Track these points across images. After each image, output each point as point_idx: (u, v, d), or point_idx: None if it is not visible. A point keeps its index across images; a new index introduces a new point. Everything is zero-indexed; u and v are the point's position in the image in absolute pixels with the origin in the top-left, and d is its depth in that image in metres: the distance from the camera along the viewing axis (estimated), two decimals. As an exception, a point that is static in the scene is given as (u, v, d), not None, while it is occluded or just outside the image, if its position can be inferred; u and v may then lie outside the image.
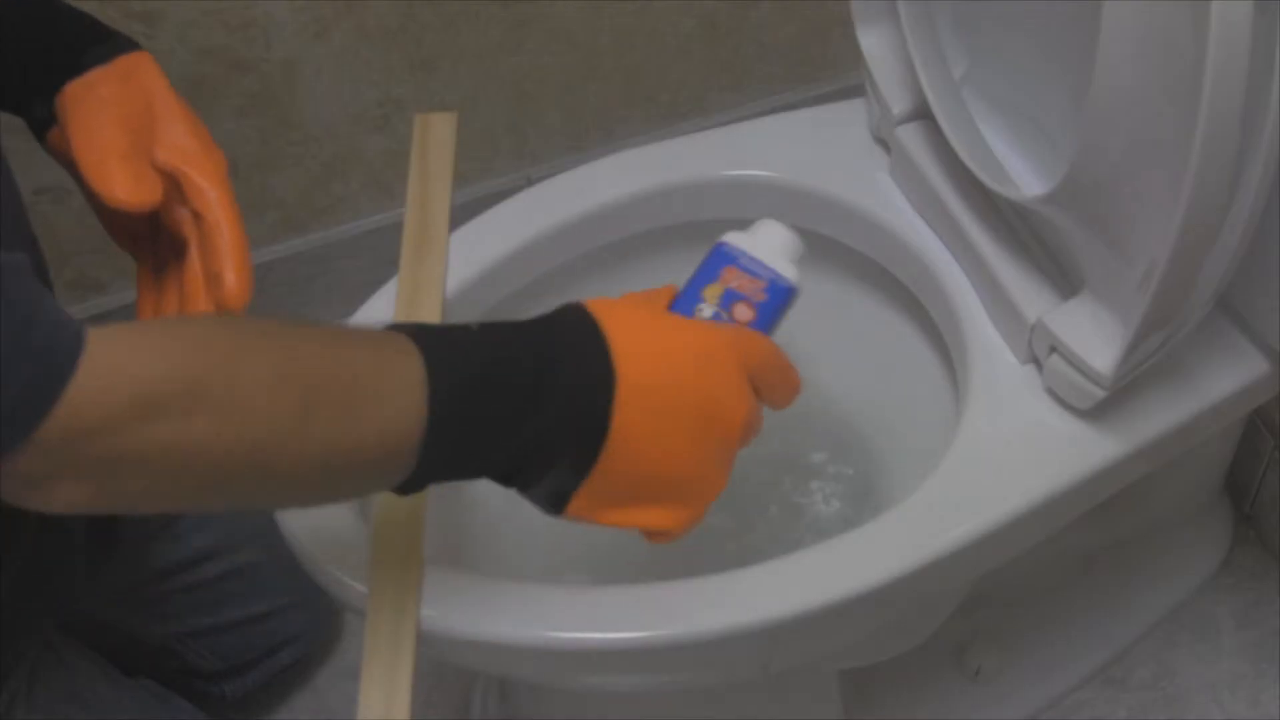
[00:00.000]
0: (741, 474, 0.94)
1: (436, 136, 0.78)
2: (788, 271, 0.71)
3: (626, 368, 0.56)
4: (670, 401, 0.57)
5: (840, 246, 0.87)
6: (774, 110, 0.86)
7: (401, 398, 0.52)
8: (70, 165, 0.67)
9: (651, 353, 0.58)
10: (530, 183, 0.89)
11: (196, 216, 0.67)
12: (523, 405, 0.54)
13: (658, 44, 1.21)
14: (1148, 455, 0.73)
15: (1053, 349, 0.70)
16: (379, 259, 1.24)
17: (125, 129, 0.65)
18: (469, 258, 0.82)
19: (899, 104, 0.82)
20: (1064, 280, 0.74)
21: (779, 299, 0.71)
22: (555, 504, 0.59)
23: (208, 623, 0.97)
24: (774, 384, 0.63)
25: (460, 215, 0.82)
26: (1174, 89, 0.56)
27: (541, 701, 0.98)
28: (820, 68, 1.30)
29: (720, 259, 0.71)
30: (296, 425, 0.49)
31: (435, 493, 0.67)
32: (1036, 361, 0.74)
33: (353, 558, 0.66)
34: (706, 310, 0.68)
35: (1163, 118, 0.57)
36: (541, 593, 0.67)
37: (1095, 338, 0.68)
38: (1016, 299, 0.73)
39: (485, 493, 0.90)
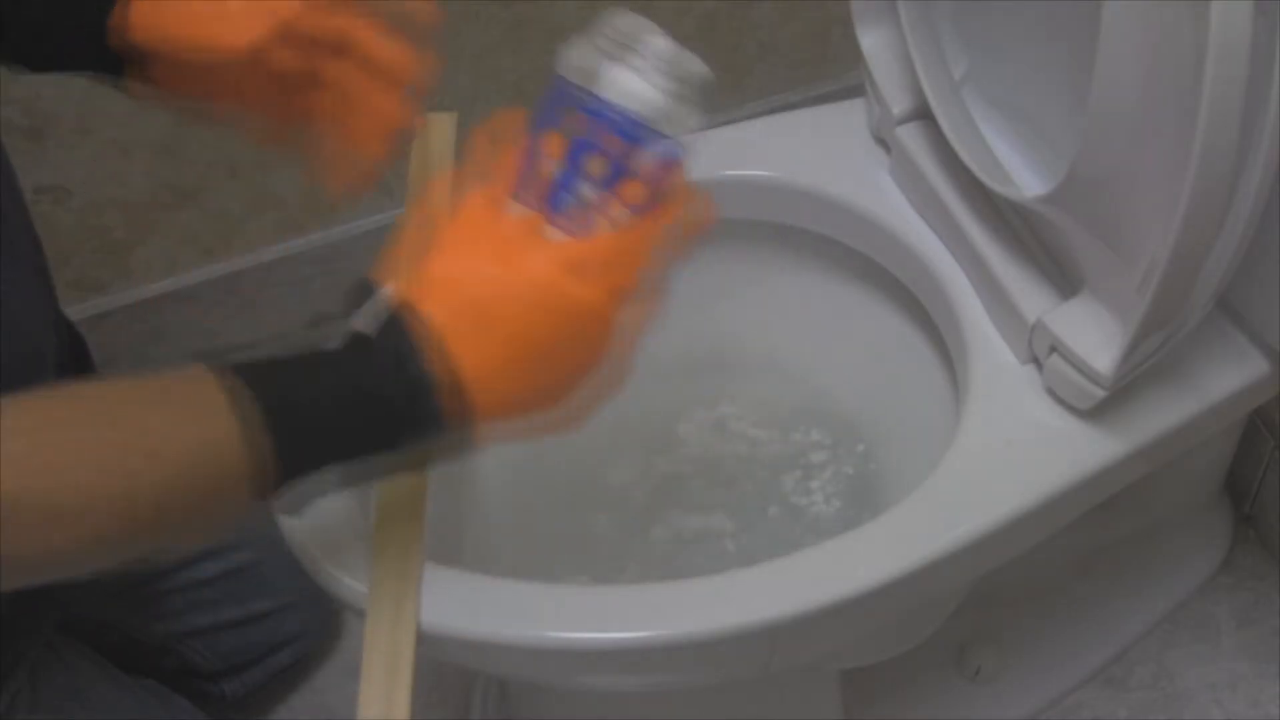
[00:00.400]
0: (741, 474, 0.95)
1: (437, 136, 0.77)
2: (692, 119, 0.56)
3: (464, 365, 0.54)
4: (518, 365, 0.55)
5: (840, 246, 0.87)
6: (774, 110, 0.86)
7: (229, 468, 0.50)
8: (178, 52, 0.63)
9: (478, 332, 0.55)
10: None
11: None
12: (372, 430, 0.54)
13: (658, 44, 1.21)
14: (1148, 455, 0.73)
15: (1053, 349, 0.70)
16: (379, 259, 1.24)
17: None
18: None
19: (899, 104, 0.82)
20: (1064, 280, 0.74)
21: (634, 139, 0.56)
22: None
23: (207, 622, 0.97)
24: (631, 262, 0.58)
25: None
26: (1174, 89, 0.56)
27: (541, 701, 0.98)
28: (820, 68, 1.30)
29: (573, 107, 0.56)
30: (130, 520, 0.49)
31: (435, 493, 0.68)
32: (1036, 361, 0.74)
33: (353, 558, 0.66)
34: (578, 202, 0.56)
35: (1163, 118, 0.57)
36: (541, 593, 0.67)
37: (1095, 338, 0.68)
38: (1016, 299, 0.73)
39: (485, 492, 0.90)
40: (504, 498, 0.91)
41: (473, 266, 0.56)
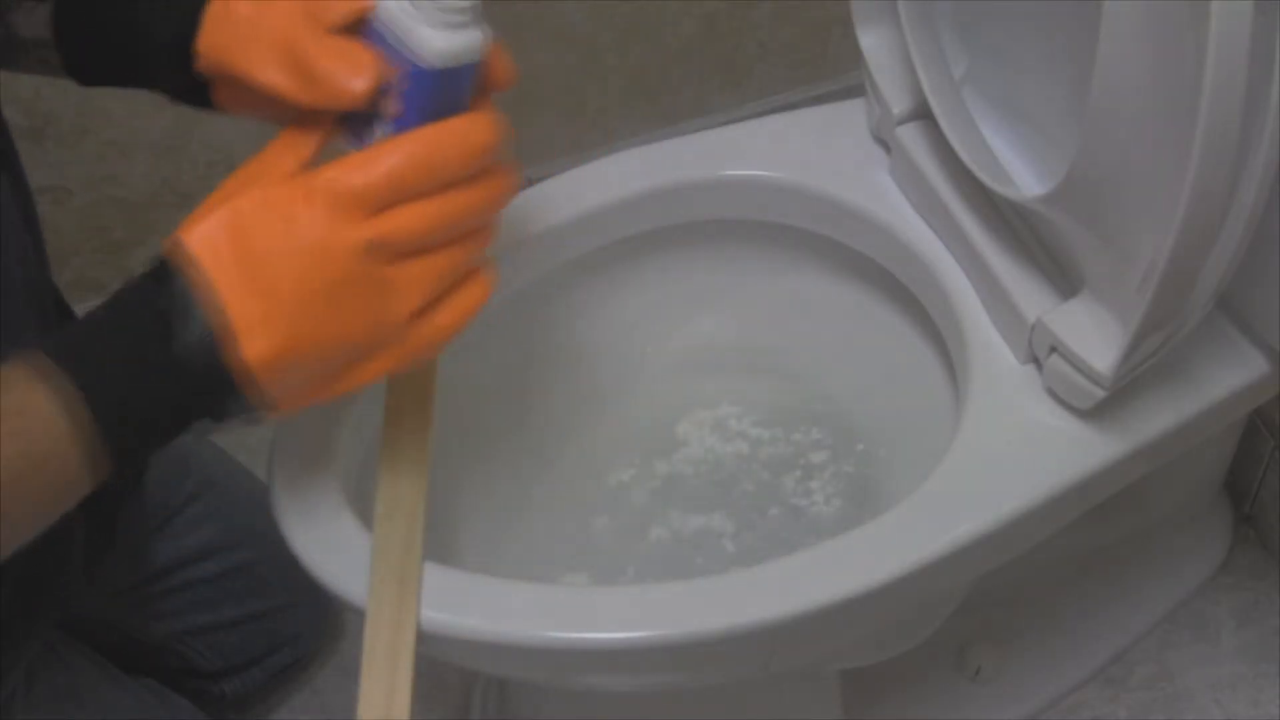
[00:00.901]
0: (741, 474, 0.95)
1: None
2: (434, 44, 0.58)
3: (240, 323, 0.53)
4: (300, 322, 0.54)
5: (840, 246, 0.87)
6: (774, 110, 0.86)
7: (53, 443, 0.52)
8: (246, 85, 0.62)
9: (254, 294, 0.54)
10: (529, 183, 0.89)
11: None
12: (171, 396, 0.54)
13: (658, 44, 1.21)
14: (1148, 455, 0.73)
15: (1053, 349, 0.70)
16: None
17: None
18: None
19: (899, 104, 0.82)
20: (1064, 280, 0.74)
21: (421, 86, 0.58)
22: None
23: (207, 621, 0.97)
24: (409, 185, 0.56)
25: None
26: (1174, 89, 0.56)
27: (541, 701, 0.98)
28: (820, 68, 1.30)
29: (369, 37, 0.59)
30: None
31: (435, 493, 0.68)
32: (1036, 361, 0.74)
33: (352, 557, 0.66)
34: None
35: (1163, 118, 0.57)
36: (541, 593, 0.67)
37: (1095, 338, 0.68)
38: (1016, 299, 0.73)
39: (485, 492, 0.90)
40: (504, 498, 0.91)
41: (245, 210, 0.55)
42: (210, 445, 1.02)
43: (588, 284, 0.91)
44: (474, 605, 0.65)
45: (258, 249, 0.54)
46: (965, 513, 0.68)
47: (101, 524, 0.84)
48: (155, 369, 0.53)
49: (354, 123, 0.59)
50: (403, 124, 0.58)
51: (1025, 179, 0.75)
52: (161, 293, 0.53)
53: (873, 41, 0.83)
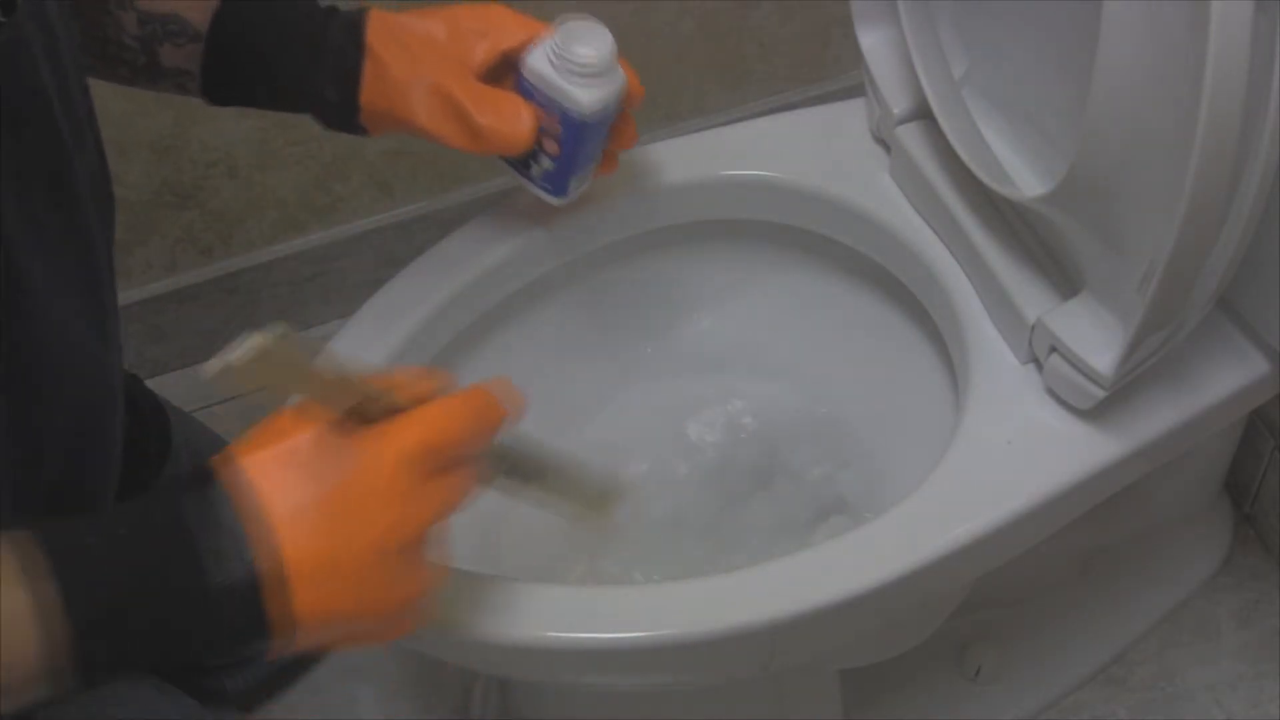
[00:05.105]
0: (741, 473, 0.95)
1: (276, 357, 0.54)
2: (583, 100, 0.69)
3: (291, 554, 0.50)
4: (340, 572, 0.51)
5: (841, 247, 0.87)
6: (774, 110, 0.86)
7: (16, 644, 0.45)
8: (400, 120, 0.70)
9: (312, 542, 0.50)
10: (530, 183, 0.89)
11: None
12: (177, 622, 0.49)
13: (658, 44, 1.21)
14: (1148, 455, 0.73)
15: (1053, 349, 0.71)
16: (379, 259, 1.24)
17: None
18: (468, 258, 0.82)
19: (899, 104, 0.82)
20: (1064, 280, 0.74)
21: (575, 131, 0.71)
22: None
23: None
24: (454, 451, 0.55)
25: (461, 215, 0.82)
26: (1174, 89, 0.56)
27: (541, 701, 0.98)
28: (820, 68, 1.30)
29: (521, 88, 0.71)
30: None
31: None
32: (1037, 361, 0.74)
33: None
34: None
35: (1163, 118, 0.57)
36: (541, 593, 0.67)
37: (1095, 338, 0.68)
38: (1016, 299, 0.73)
39: (486, 493, 0.90)
40: (504, 498, 0.91)
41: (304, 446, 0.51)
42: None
43: (588, 284, 0.91)
44: (475, 605, 0.66)
45: (327, 492, 0.51)
46: (965, 513, 0.69)
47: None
48: (172, 604, 0.48)
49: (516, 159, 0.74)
50: (561, 162, 0.72)
51: (1025, 179, 0.75)
52: (199, 520, 0.49)
53: (873, 41, 0.83)
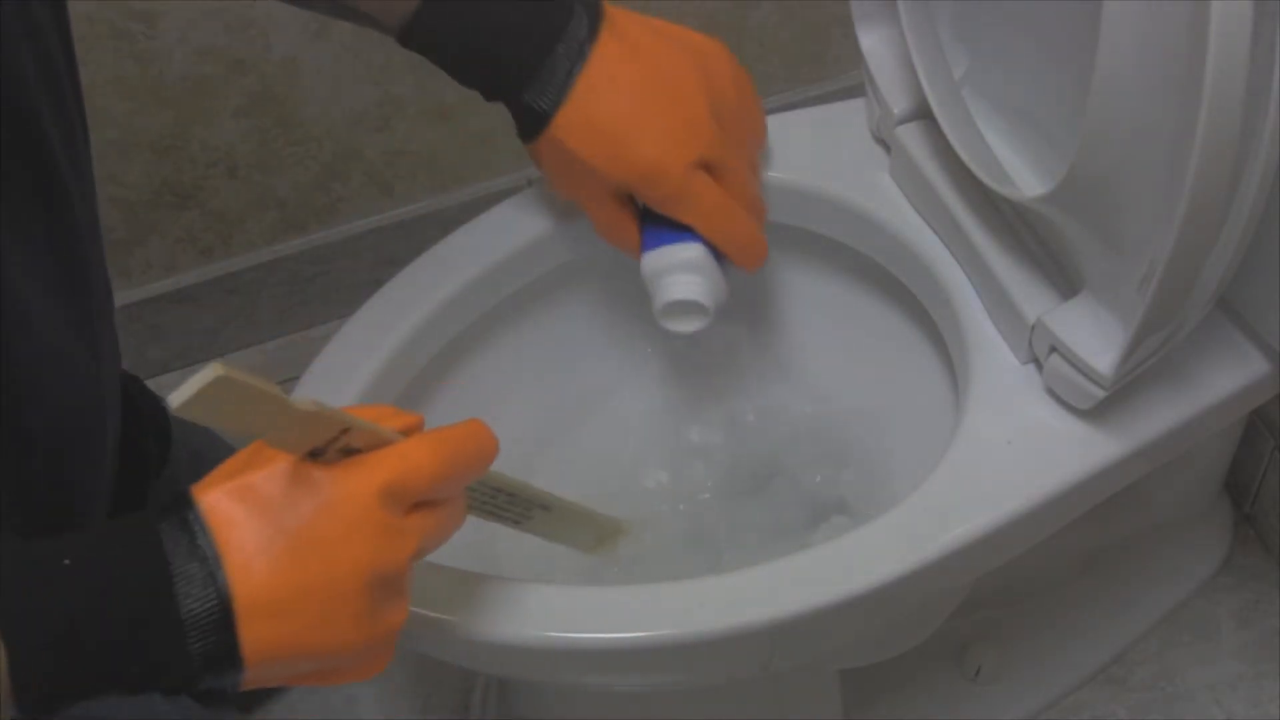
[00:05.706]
0: (741, 473, 0.95)
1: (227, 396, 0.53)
2: (665, 324, 0.79)
3: (240, 588, 0.49)
4: (298, 604, 0.50)
5: (841, 246, 0.87)
6: (774, 110, 0.86)
7: None
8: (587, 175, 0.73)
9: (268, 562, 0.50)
10: (530, 184, 0.89)
11: None
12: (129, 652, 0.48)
13: (658, 44, 1.21)
14: (1148, 455, 0.73)
15: (1053, 349, 0.70)
16: (379, 259, 1.24)
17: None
18: (468, 259, 0.82)
19: (899, 104, 0.82)
20: (1064, 280, 0.74)
21: None
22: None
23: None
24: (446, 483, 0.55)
25: (461, 215, 0.82)
26: (1174, 89, 0.56)
27: (541, 701, 0.98)
28: (820, 68, 1.30)
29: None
30: None
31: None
32: (1037, 361, 0.74)
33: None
34: None
35: (1163, 117, 0.57)
36: (541, 593, 0.67)
37: (1095, 338, 0.68)
38: (1016, 299, 0.73)
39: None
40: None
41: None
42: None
43: (588, 284, 0.91)
44: (475, 605, 0.66)
45: (290, 528, 0.50)
46: (965, 513, 0.68)
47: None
48: (131, 630, 0.48)
49: None
50: None
51: (1025, 179, 0.75)
52: (168, 550, 0.48)
53: (873, 41, 0.83)
